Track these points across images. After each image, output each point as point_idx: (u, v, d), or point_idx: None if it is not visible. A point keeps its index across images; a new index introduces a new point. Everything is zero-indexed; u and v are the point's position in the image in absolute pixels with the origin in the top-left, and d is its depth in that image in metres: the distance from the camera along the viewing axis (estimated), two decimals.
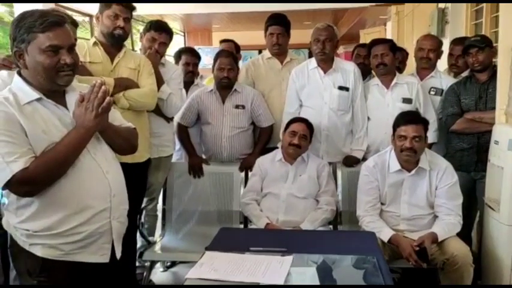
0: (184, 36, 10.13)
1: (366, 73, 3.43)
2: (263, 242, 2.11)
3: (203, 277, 1.76)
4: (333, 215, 2.96)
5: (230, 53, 3.46)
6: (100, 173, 1.72)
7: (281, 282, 1.70)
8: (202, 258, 1.93)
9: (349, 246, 2.15)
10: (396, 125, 2.71)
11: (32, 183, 1.58)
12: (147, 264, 3.17)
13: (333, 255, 2.00)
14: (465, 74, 3.36)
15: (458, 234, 2.63)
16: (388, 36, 6.62)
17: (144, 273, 3.14)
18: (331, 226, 3.05)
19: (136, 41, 5.73)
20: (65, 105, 1.71)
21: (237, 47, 4.42)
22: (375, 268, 1.85)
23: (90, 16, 5.91)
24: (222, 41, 4.41)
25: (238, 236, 2.51)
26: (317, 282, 1.72)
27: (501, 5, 2.78)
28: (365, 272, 1.88)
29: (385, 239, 2.58)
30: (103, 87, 1.64)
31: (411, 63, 3.97)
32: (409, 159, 2.67)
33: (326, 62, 3.20)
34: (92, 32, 5.86)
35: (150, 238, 3.21)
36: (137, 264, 3.08)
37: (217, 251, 2.00)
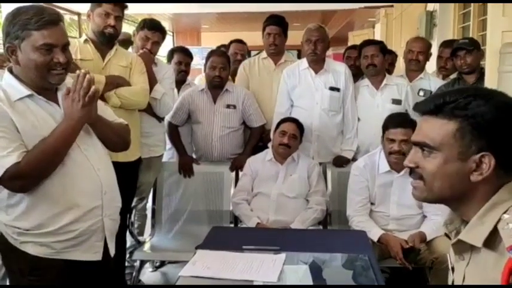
0: (173, 36, 10.12)
1: (357, 75, 3.45)
2: (255, 240, 2.12)
3: (196, 275, 1.76)
4: (323, 214, 2.97)
5: (223, 52, 3.47)
6: (91, 170, 1.71)
7: (274, 279, 1.71)
8: (195, 256, 1.93)
9: (341, 245, 2.17)
10: (385, 127, 2.73)
11: (25, 177, 1.56)
12: (136, 264, 3.15)
13: (325, 253, 2.02)
14: (453, 76, 3.40)
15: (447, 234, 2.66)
16: (377, 39, 6.67)
17: (133, 273, 3.12)
18: (321, 226, 3.06)
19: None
20: (56, 102, 1.70)
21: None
22: (366, 266, 1.87)
23: (79, 14, 5.86)
24: (233, 42, 4.18)
25: (230, 235, 2.52)
26: (310, 280, 1.73)
27: (489, 8, 2.84)
28: (357, 270, 1.89)
29: (375, 239, 2.60)
30: (87, 76, 1.62)
31: (399, 65, 4.02)
32: (398, 162, 2.70)
33: (317, 63, 3.22)
34: (80, 31, 5.82)
35: (140, 238, 3.19)
36: (126, 264, 3.06)
37: (209, 250, 2.00)
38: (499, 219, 0.97)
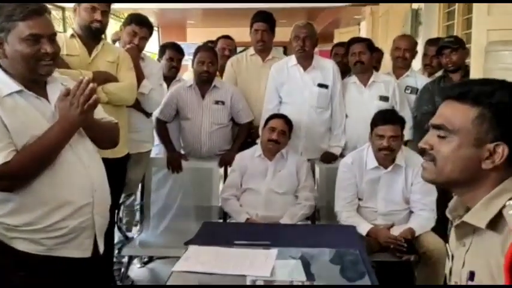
0: (158, 31, 10.02)
1: (344, 72, 3.47)
2: (246, 236, 2.12)
3: (189, 270, 1.76)
4: (311, 210, 2.99)
5: (210, 48, 3.46)
6: (81, 167, 1.69)
7: (267, 274, 1.72)
8: (187, 252, 1.93)
9: (332, 240, 2.19)
10: (374, 124, 2.75)
11: (13, 177, 1.55)
12: (124, 260, 3.14)
13: (317, 248, 2.03)
14: (439, 73, 3.45)
15: (435, 229, 2.71)
16: (363, 36, 6.72)
17: (122, 269, 3.10)
18: (309, 222, 3.08)
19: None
20: (46, 96, 1.68)
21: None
22: (357, 261, 1.90)
23: (63, 9, 5.77)
24: (221, 38, 4.13)
25: (222, 230, 2.52)
26: (303, 275, 1.74)
27: (474, 8, 2.88)
28: (349, 265, 1.91)
29: (363, 233, 2.64)
30: (91, 84, 1.61)
31: (385, 62, 4.05)
32: (387, 158, 2.74)
33: (306, 60, 3.24)
34: (64, 26, 5.72)
35: (128, 233, 3.18)
36: (114, 260, 3.04)
37: (201, 245, 2.00)
38: (504, 205, 1.00)
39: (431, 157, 1.09)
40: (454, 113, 1.06)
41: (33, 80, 1.65)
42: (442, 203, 2.88)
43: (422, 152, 1.12)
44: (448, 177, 1.08)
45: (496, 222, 1.00)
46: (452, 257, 1.16)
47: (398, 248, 2.56)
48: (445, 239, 2.93)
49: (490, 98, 1.02)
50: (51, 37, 1.63)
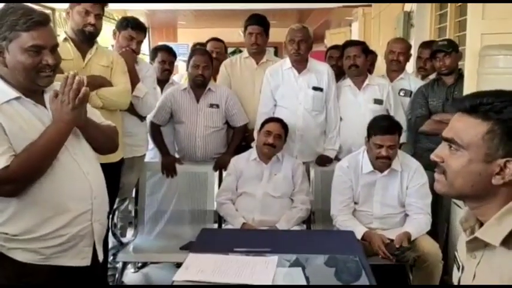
0: (148, 32, 9.95)
1: (339, 75, 3.48)
2: (245, 242, 2.12)
3: (190, 279, 1.75)
4: (307, 213, 3.00)
5: (205, 51, 3.44)
6: (80, 173, 1.68)
7: (269, 282, 1.71)
8: (187, 260, 1.92)
9: (331, 246, 2.19)
10: (372, 132, 2.72)
11: (14, 181, 1.53)
12: (118, 265, 3.10)
13: (317, 254, 2.03)
14: (432, 76, 3.47)
15: (427, 231, 2.73)
16: (354, 37, 6.73)
17: (116, 275, 3.07)
18: (304, 225, 3.08)
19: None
20: (43, 104, 1.67)
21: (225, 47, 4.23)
22: (357, 267, 1.90)
23: (53, 10, 5.69)
24: (210, 40, 4.12)
25: (220, 237, 2.50)
26: (303, 282, 1.74)
27: (469, 11, 2.88)
28: (348, 271, 1.91)
29: (359, 236, 2.64)
30: (77, 77, 1.59)
31: (378, 64, 4.06)
32: (384, 165, 2.74)
33: (300, 63, 3.23)
34: (54, 27, 5.65)
35: (122, 239, 3.15)
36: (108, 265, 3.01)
37: (201, 253, 1.99)
38: None
39: (442, 170, 1.09)
40: (465, 128, 1.05)
41: (32, 89, 1.63)
42: (434, 206, 2.90)
43: (434, 164, 1.11)
44: (459, 191, 1.07)
45: (508, 239, 0.99)
46: (463, 268, 1.15)
47: (385, 258, 2.56)
48: (436, 239, 2.96)
49: (501, 114, 1.01)
50: (54, 48, 1.62)
